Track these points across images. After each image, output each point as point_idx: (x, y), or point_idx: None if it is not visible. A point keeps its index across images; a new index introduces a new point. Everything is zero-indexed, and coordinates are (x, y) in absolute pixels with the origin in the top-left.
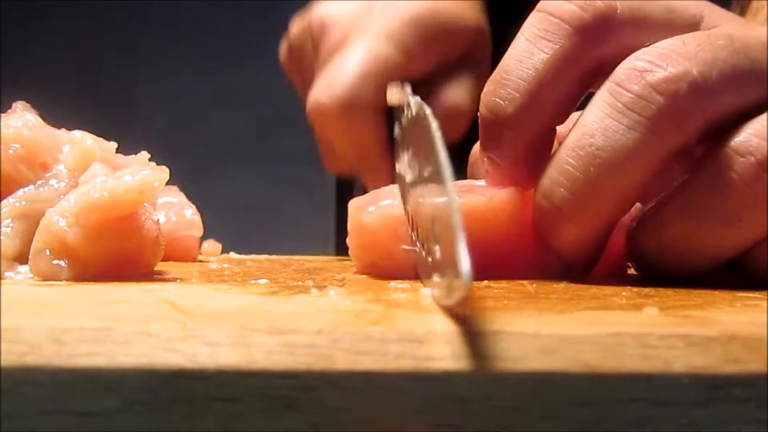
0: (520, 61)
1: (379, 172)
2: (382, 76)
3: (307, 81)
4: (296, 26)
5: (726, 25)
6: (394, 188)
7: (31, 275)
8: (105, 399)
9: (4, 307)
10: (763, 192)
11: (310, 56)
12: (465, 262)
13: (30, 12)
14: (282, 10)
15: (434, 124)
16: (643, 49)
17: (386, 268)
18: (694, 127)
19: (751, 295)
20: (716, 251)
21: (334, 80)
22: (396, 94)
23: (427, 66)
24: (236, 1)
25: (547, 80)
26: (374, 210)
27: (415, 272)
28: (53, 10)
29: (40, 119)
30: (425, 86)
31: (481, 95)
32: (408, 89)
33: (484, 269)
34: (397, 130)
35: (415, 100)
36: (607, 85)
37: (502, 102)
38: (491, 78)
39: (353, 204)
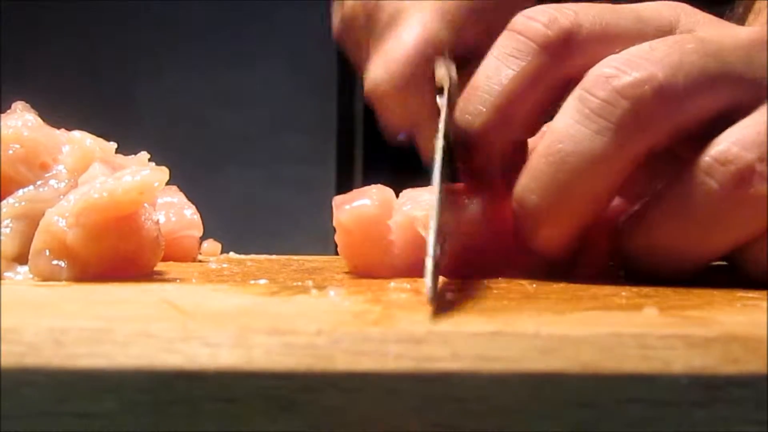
0: (489, 77)
1: (431, 137)
2: (434, 53)
3: (361, 50)
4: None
5: (702, 28)
6: (374, 188)
7: (31, 275)
8: (105, 400)
9: (3, 307)
10: (742, 197)
11: (363, 27)
12: (428, 282)
13: (30, 12)
14: (282, 10)
15: (440, 131)
16: (612, 56)
17: (364, 267)
18: (660, 130)
19: (751, 295)
20: (699, 253)
21: (389, 62)
22: (442, 73)
23: (475, 40)
24: (236, 1)
25: (513, 95)
26: (349, 209)
27: (392, 271)
28: (53, 10)
29: (39, 119)
30: (472, 60)
31: (456, 109)
32: (453, 69)
33: (465, 269)
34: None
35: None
36: (576, 92)
37: (469, 117)
38: (462, 95)
39: (335, 201)
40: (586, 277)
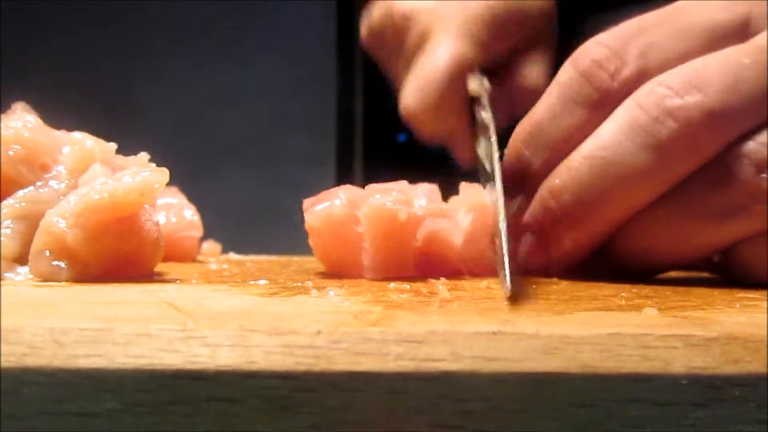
0: (551, 120)
1: (466, 149)
2: (463, 72)
3: (388, 61)
4: (377, 11)
5: None
6: (343, 188)
7: (31, 276)
8: (105, 400)
9: (4, 308)
10: (757, 192)
11: (392, 41)
12: (507, 275)
13: (30, 13)
14: (282, 10)
15: (493, 137)
16: (668, 73)
17: (337, 267)
18: (705, 153)
19: (751, 295)
20: (704, 245)
21: (422, 86)
22: (476, 86)
23: (502, 52)
24: (236, 1)
25: (570, 143)
26: (316, 211)
27: (359, 272)
28: (53, 10)
29: (39, 120)
30: (501, 69)
31: (513, 136)
32: (485, 81)
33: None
34: (477, 115)
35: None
36: (629, 103)
37: (527, 152)
38: (523, 125)
39: (305, 204)
40: (586, 277)
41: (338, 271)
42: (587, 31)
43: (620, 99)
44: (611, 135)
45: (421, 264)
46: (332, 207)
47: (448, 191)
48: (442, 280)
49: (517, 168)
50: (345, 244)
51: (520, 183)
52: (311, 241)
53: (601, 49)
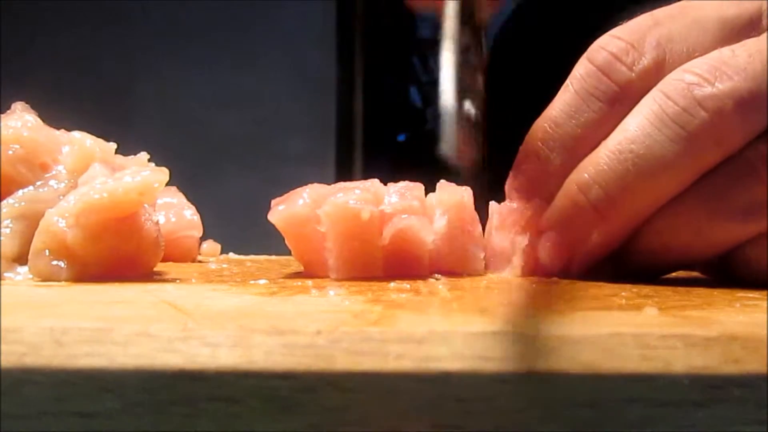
0: (570, 116)
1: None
2: None
3: None
4: None
5: None
6: (308, 187)
7: (31, 276)
8: (104, 400)
9: (3, 307)
10: None
11: None
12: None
13: (30, 13)
14: (282, 10)
15: None
16: (694, 61)
17: (308, 266)
18: (735, 143)
19: (751, 295)
20: (721, 242)
21: None
22: None
23: None
24: (236, 1)
25: (591, 139)
26: (279, 210)
27: (326, 271)
28: (53, 10)
29: (39, 120)
30: None
31: (529, 134)
32: None
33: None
34: None
35: None
36: (655, 94)
37: (545, 149)
38: (539, 123)
39: (273, 204)
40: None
41: (310, 270)
42: (600, 27)
43: (641, 90)
44: (639, 127)
45: (390, 264)
46: (294, 206)
47: None
48: (442, 279)
49: (535, 167)
50: (309, 243)
51: (538, 183)
52: (288, 242)
53: (617, 42)
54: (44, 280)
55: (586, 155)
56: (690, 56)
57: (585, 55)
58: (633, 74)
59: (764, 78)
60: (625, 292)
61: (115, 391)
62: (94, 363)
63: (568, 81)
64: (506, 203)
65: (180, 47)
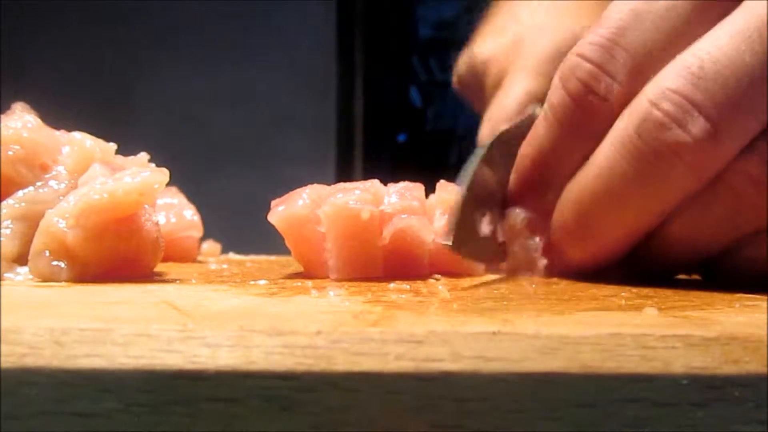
0: (551, 149)
1: None
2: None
3: (477, 101)
4: (462, 59)
5: None
6: (309, 188)
7: (31, 276)
8: (104, 400)
9: (3, 308)
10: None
11: (476, 85)
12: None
13: (30, 12)
14: (282, 10)
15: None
16: (662, 86)
17: (308, 267)
18: (714, 171)
19: (750, 295)
20: (715, 250)
21: (495, 119)
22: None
23: None
24: (236, 1)
25: (575, 166)
26: (278, 211)
27: (326, 272)
28: (53, 10)
29: (39, 120)
30: None
31: (516, 162)
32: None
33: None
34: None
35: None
36: (627, 131)
37: (533, 182)
38: (525, 153)
39: (273, 204)
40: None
41: (310, 270)
42: None
43: (619, 111)
44: (609, 164)
45: (390, 264)
46: (294, 207)
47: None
48: (442, 279)
49: (526, 195)
50: (309, 244)
51: (537, 198)
52: (287, 242)
53: (586, 67)
54: (44, 280)
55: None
56: (665, 58)
57: (557, 75)
58: (608, 102)
59: (740, 101)
60: (625, 292)
61: (115, 392)
62: (94, 363)
63: (547, 104)
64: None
65: (180, 47)
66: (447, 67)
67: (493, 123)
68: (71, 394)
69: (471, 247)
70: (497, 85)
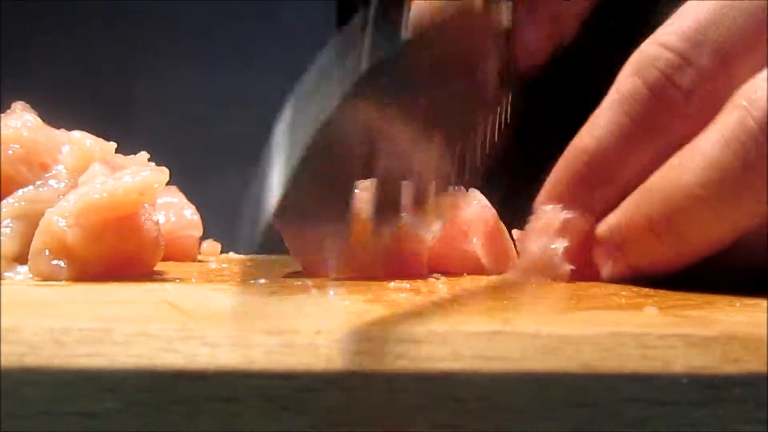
0: (618, 139)
1: None
2: None
3: None
4: None
5: None
6: None
7: (31, 275)
8: (105, 400)
9: (3, 307)
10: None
11: None
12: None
13: (30, 12)
14: (282, 10)
15: None
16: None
17: (308, 267)
18: None
19: (751, 295)
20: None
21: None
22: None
23: None
24: (236, 1)
25: (641, 161)
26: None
27: (326, 272)
28: (53, 10)
29: (39, 119)
30: None
31: (572, 146)
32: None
33: None
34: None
35: None
36: (741, 116)
37: (589, 170)
38: (575, 153)
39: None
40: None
41: (311, 270)
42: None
43: (702, 108)
44: (719, 158)
45: (390, 264)
46: None
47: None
48: (442, 279)
49: (576, 183)
50: (309, 243)
51: (578, 194)
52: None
53: (668, 56)
54: (44, 279)
55: (635, 176)
56: (755, 53)
57: (633, 64)
58: (690, 97)
59: None
60: (625, 291)
61: (115, 391)
62: (94, 363)
63: (614, 94)
64: (543, 208)
65: (180, 47)
66: None
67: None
68: (71, 394)
69: (311, 226)
70: None
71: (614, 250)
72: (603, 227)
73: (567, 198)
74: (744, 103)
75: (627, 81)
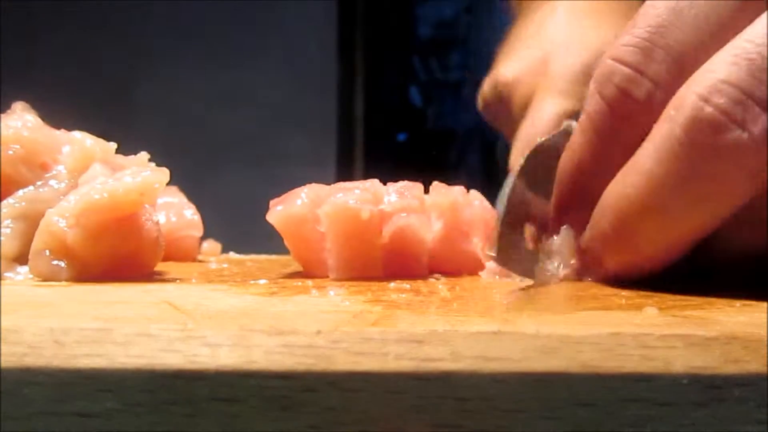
0: (596, 161)
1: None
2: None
3: (504, 127)
4: (487, 84)
5: None
6: (307, 187)
7: (31, 276)
8: (105, 400)
9: (3, 307)
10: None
11: (501, 108)
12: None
13: (30, 13)
14: (282, 10)
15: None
16: (710, 81)
17: (307, 266)
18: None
19: (751, 295)
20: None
21: (529, 144)
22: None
23: None
24: (236, 1)
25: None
26: (277, 211)
27: (326, 272)
28: (53, 10)
29: (39, 120)
30: None
31: (557, 176)
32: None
33: None
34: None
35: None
36: (669, 127)
37: (577, 194)
38: (563, 169)
39: (271, 204)
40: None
41: (309, 270)
42: None
43: (660, 112)
44: (654, 168)
45: (390, 264)
46: (293, 207)
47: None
48: (442, 279)
49: (567, 210)
50: (308, 243)
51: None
52: (285, 242)
53: (622, 71)
54: (44, 280)
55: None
56: (711, 55)
57: (593, 80)
58: (650, 108)
59: None
60: (625, 291)
61: (115, 391)
62: (94, 363)
63: (584, 114)
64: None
65: (180, 47)
66: (447, 66)
67: (523, 145)
68: (71, 394)
69: (517, 262)
70: (524, 107)
71: (591, 262)
72: (581, 241)
73: (563, 216)
74: (672, 113)
75: (592, 99)
